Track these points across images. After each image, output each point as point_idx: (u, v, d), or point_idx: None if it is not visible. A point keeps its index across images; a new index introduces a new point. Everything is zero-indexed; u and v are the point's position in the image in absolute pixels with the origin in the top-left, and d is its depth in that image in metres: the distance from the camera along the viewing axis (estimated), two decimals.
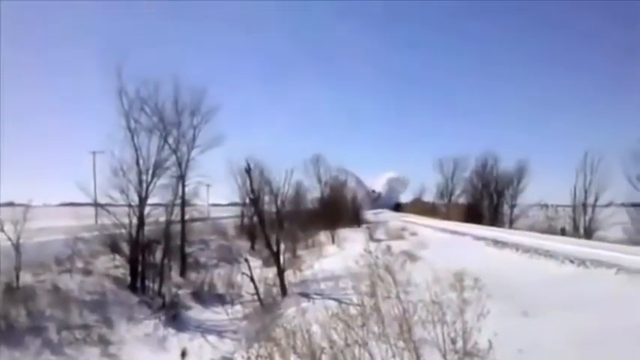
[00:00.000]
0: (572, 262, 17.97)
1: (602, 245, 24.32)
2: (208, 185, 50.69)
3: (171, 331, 23.25)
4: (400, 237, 36.50)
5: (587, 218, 43.27)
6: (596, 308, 11.69)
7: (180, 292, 28.73)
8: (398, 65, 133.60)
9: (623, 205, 41.72)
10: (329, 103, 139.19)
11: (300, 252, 39.82)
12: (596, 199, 43.50)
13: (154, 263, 30.77)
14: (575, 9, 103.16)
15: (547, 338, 9.92)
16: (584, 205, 43.79)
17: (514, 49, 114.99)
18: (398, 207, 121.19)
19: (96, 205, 32.79)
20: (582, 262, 17.50)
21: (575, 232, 41.28)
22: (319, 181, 60.20)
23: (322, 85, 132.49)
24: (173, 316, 25.06)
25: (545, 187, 76.36)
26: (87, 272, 27.16)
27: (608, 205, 43.19)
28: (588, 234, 40.49)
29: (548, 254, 20.30)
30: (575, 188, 44.78)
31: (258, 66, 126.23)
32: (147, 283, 29.25)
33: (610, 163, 42.55)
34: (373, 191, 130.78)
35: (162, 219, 33.15)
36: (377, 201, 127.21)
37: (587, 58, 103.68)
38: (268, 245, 30.57)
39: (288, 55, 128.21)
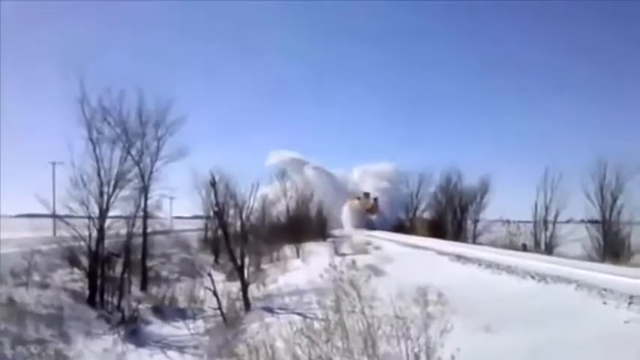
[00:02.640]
0: (532, 277, 18.20)
1: (562, 261, 24.77)
2: (172, 198, 50.12)
3: (130, 346, 22.61)
4: (364, 251, 36.53)
5: (548, 234, 44.30)
6: (557, 323, 11.86)
7: (141, 306, 28.04)
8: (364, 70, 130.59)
9: (582, 221, 42.92)
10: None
11: (264, 266, 39.44)
12: (556, 216, 44.64)
13: (113, 277, 30.12)
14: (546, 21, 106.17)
15: (509, 353, 9.98)
16: (545, 222, 44.80)
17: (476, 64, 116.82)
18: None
19: (54, 216, 32.01)
20: (543, 277, 17.75)
21: (536, 248, 42.13)
22: (285, 194, 60.05)
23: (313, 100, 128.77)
24: (133, 331, 24.41)
25: (508, 204, 77.68)
26: (44, 286, 26.47)
27: (568, 221, 44.36)
28: (549, 250, 41.36)
29: (509, 270, 20.52)
30: (536, 205, 45.82)
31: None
32: (106, 297, 28.64)
33: (570, 181, 43.68)
34: (366, 195, 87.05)
35: (124, 232, 32.50)
36: (374, 212, 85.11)
37: (547, 72, 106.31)
38: (232, 259, 30.21)
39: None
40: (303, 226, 53.75)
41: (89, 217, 29.96)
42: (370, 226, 77.21)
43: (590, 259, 33.44)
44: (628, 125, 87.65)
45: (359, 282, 11.13)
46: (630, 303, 12.54)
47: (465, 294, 14.60)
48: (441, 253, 30.32)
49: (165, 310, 28.91)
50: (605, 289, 14.35)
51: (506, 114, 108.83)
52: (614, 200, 39.69)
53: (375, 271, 21.52)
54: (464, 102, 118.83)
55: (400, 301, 9.94)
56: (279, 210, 60.06)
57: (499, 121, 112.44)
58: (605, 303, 13.15)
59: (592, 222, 40.99)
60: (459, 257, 26.72)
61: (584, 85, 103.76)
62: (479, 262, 23.94)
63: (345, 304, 10.45)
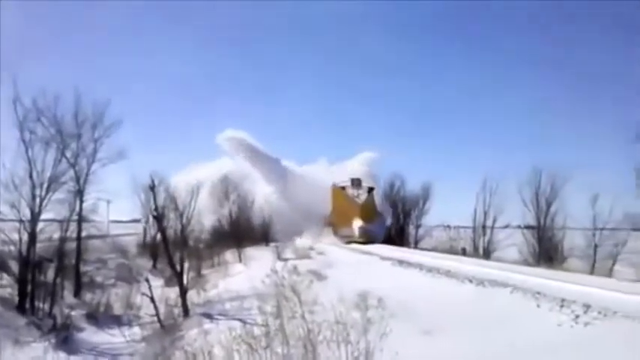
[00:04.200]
0: (471, 281, 18.59)
1: (499, 265, 25.49)
2: (108, 201, 48.65)
3: (61, 354, 21.59)
4: (307, 256, 36.44)
5: (486, 239, 45.40)
6: (493, 326, 12.06)
7: (74, 313, 26.96)
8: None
9: (519, 227, 44.22)
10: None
11: (205, 271, 38.74)
12: (494, 221, 45.80)
13: (45, 282, 28.94)
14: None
15: (447, 357, 10.06)
16: (484, 227, 45.94)
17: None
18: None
19: None
20: (481, 281, 18.15)
21: (475, 253, 43.12)
22: (227, 198, 59.22)
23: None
24: (64, 338, 23.33)
25: (448, 209, 79.42)
26: None
27: (506, 226, 45.60)
28: (487, 254, 42.44)
29: (449, 274, 20.92)
30: (475, 210, 46.94)
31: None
32: (37, 303, 27.45)
33: (507, 188, 44.97)
34: (356, 183, 57.16)
35: (57, 236, 31.39)
36: (374, 219, 54.25)
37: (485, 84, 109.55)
38: (171, 264, 29.51)
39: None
40: (246, 230, 53.17)
41: (20, 221, 28.98)
42: (365, 235, 50.17)
43: (526, 263, 34.54)
44: (565, 132, 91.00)
45: (300, 287, 11.01)
46: (562, 306, 12.95)
47: (406, 298, 14.68)
48: (383, 258, 30.65)
49: (100, 317, 27.91)
50: (538, 293, 14.78)
51: (447, 120, 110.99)
52: (549, 206, 41.14)
53: (317, 276, 21.47)
54: (404, 107, 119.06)
55: (341, 305, 9.87)
56: (222, 214, 59.10)
57: (440, 127, 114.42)
58: (538, 306, 13.51)
59: (528, 227, 42.29)
60: (401, 262, 27.07)
61: (525, 92, 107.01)
62: (420, 266, 24.32)
63: (286, 310, 10.31)
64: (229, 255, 45.63)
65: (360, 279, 18.85)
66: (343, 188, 57.75)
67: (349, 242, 48.76)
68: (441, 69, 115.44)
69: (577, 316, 11.85)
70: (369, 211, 54.23)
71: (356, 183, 57.33)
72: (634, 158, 31.42)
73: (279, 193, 64.75)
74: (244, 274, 33.30)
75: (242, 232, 51.56)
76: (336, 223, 55.75)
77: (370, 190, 57.58)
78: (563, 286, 16.04)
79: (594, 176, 46.21)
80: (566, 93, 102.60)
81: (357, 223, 51.90)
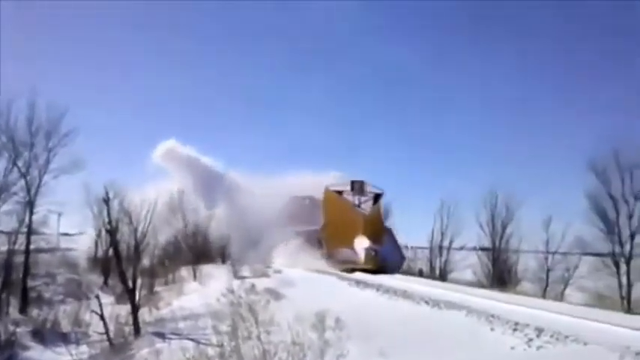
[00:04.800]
0: (427, 303, 18.66)
1: (455, 287, 25.79)
2: (60, 214, 47.21)
3: None
4: (265, 274, 36.05)
5: (443, 260, 45.81)
6: (449, 349, 12.10)
7: (19, 330, 26.07)
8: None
9: (474, 248, 44.77)
10: None
11: (158, 288, 37.82)
12: (451, 243, 46.23)
13: None
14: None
15: None
16: (440, 248, 46.36)
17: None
18: None
19: None
20: (436, 303, 18.23)
21: (431, 273, 43.45)
22: (183, 214, 58.17)
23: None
24: (9, 357, 22.81)
25: (406, 230, 79.71)
26: None
27: (462, 248, 46.06)
28: (443, 275, 42.80)
29: (405, 295, 20.96)
30: (432, 231, 47.37)
31: None
32: None
33: (464, 210, 45.63)
34: (357, 186, 42.43)
35: (4, 248, 30.34)
36: (383, 237, 39.85)
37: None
38: (123, 280, 28.67)
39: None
40: (202, 247, 52.25)
41: None
42: (374, 260, 36.69)
43: (480, 284, 35.12)
44: (521, 157, 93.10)
45: (257, 307, 10.82)
46: (515, 330, 13.08)
47: (362, 319, 14.63)
48: (342, 278, 30.61)
49: (47, 335, 26.97)
50: (492, 316, 14.91)
51: (406, 140, 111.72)
52: (504, 229, 41.95)
53: (274, 295, 21.23)
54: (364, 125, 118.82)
55: (298, 325, 9.74)
56: (178, 229, 57.84)
57: (398, 147, 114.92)
58: (492, 329, 13.60)
59: (483, 249, 42.92)
60: (359, 282, 27.07)
61: (483, 114, 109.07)
62: (377, 287, 24.33)
63: (242, 330, 10.11)
64: (184, 272, 44.75)
65: (317, 299, 18.66)
66: (340, 193, 43.36)
67: (351, 270, 35.18)
68: (404, 88, 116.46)
69: (530, 340, 11.97)
70: (376, 227, 40.16)
71: (357, 187, 42.56)
72: (585, 184, 32.47)
73: (227, 210, 58.53)
74: (199, 292, 32.67)
75: (198, 248, 50.66)
76: (330, 241, 40.85)
77: (377, 197, 43.63)
78: (517, 309, 16.29)
79: (548, 201, 47.49)
80: (523, 117, 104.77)
81: (362, 243, 37.88)
